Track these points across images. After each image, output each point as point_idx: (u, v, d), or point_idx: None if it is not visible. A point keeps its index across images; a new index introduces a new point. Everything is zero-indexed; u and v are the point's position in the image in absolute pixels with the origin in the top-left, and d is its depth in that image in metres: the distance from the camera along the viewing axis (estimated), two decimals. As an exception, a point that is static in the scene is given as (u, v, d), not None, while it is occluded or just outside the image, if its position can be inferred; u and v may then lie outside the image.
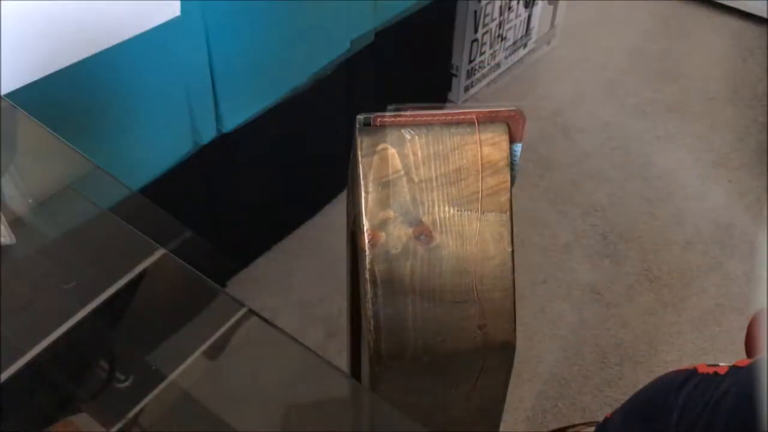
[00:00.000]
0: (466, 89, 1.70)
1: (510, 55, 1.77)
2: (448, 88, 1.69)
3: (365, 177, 0.49)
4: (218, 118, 1.17)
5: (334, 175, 1.53)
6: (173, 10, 0.94)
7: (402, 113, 0.49)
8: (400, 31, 1.47)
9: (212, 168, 1.27)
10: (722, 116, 1.69)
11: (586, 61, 1.83)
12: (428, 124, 0.50)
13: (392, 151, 0.49)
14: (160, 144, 1.11)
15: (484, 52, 1.66)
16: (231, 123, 1.20)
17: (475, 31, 1.59)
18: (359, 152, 0.49)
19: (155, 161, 1.12)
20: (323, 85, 1.36)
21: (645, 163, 1.54)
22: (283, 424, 0.53)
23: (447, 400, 0.58)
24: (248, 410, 0.53)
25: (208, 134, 1.18)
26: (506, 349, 0.54)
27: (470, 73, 1.67)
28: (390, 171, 0.50)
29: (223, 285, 1.36)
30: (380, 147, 0.49)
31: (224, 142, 1.23)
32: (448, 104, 1.70)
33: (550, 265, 1.34)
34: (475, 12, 1.56)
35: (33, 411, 0.54)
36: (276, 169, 1.42)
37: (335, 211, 1.55)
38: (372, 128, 0.49)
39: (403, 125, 0.49)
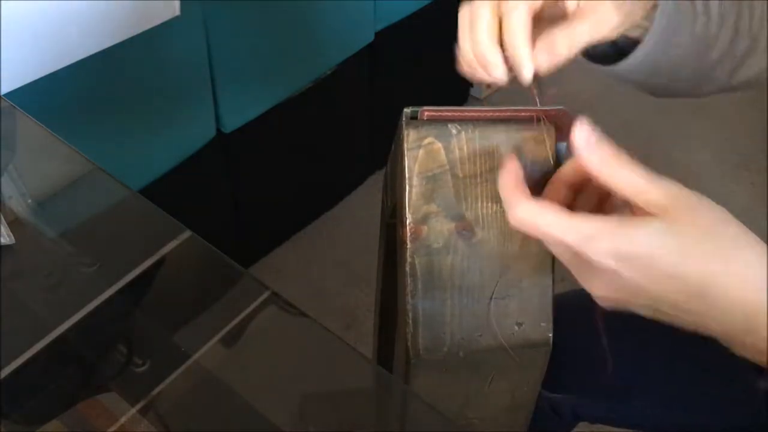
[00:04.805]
0: (489, 85, 1.69)
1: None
2: (470, 83, 1.69)
3: (410, 170, 0.49)
4: (218, 119, 1.17)
5: (354, 168, 1.54)
6: (173, 10, 0.94)
7: (449, 108, 0.49)
8: (420, 25, 1.46)
9: (230, 160, 1.27)
10: (747, 118, 1.68)
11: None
12: (475, 120, 0.49)
13: (438, 145, 0.49)
14: (160, 141, 1.11)
15: (508, 47, 1.65)
16: (232, 122, 1.20)
17: (500, 26, 1.58)
18: (405, 145, 0.49)
19: (159, 157, 1.13)
20: (343, 77, 1.36)
21: (667, 163, 1.53)
22: (305, 409, 0.53)
23: (479, 396, 0.58)
24: (269, 394, 0.53)
25: (207, 133, 1.18)
26: (542, 348, 0.54)
27: (493, 69, 1.66)
28: (435, 165, 0.50)
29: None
30: (426, 141, 0.49)
31: (238, 136, 1.23)
32: (469, 100, 1.70)
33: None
34: (501, 7, 1.55)
35: (54, 392, 0.54)
36: (296, 161, 1.42)
37: (354, 204, 1.55)
38: (419, 122, 0.49)
39: (450, 120, 0.49)
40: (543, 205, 0.43)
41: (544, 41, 0.47)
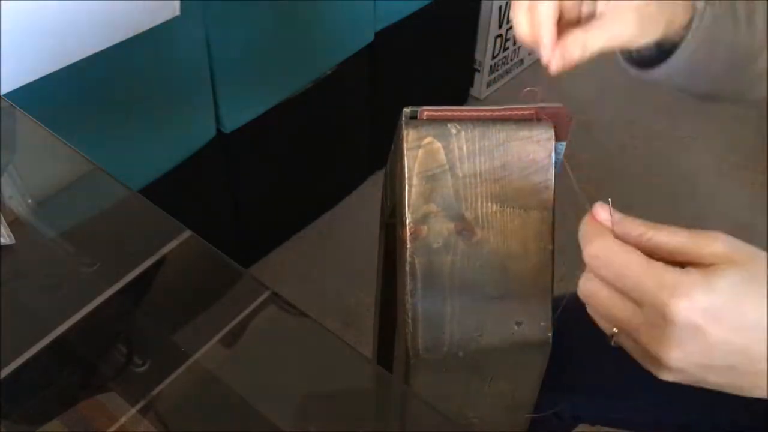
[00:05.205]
0: (489, 85, 1.69)
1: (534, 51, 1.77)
2: (470, 83, 1.69)
3: (410, 170, 0.49)
4: (218, 119, 1.17)
5: (354, 168, 1.54)
6: (173, 10, 0.94)
7: (448, 108, 0.49)
8: (420, 25, 1.46)
9: (230, 160, 1.27)
10: (748, 118, 1.68)
11: (610, 59, 1.82)
12: (474, 120, 0.49)
13: (438, 145, 0.49)
14: (160, 141, 1.11)
15: (508, 47, 1.65)
16: (232, 122, 1.20)
17: (500, 26, 1.58)
18: (404, 145, 0.49)
19: (159, 157, 1.13)
20: (342, 76, 1.36)
21: (668, 163, 1.53)
22: (305, 409, 0.53)
23: (479, 396, 0.58)
24: (269, 394, 0.53)
25: (207, 133, 1.18)
26: (541, 347, 0.54)
27: (493, 69, 1.66)
28: (434, 165, 0.50)
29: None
30: (426, 141, 0.49)
31: (238, 136, 1.23)
32: (469, 100, 1.70)
33: (569, 264, 1.34)
34: (500, 7, 1.55)
35: (54, 392, 0.54)
36: (296, 161, 1.42)
37: (354, 204, 1.55)
38: (418, 121, 0.49)
39: (450, 119, 0.49)
40: (624, 243, 0.41)
41: (558, 43, 0.48)
